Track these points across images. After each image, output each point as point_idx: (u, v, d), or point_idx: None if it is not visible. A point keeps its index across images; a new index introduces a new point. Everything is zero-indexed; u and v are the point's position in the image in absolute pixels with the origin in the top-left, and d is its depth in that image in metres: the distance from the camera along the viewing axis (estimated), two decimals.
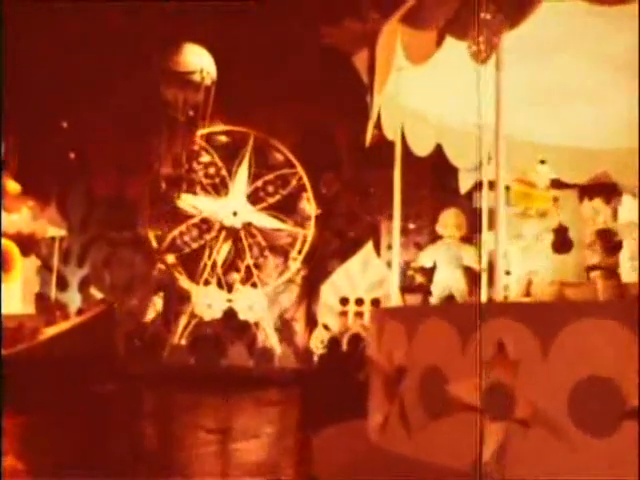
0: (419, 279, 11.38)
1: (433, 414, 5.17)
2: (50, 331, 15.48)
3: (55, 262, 20.12)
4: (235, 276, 21.50)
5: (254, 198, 21.97)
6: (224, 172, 21.94)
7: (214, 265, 21.41)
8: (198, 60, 20.02)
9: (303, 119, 23.23)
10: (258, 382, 17.48)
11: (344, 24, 7.86)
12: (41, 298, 19.17)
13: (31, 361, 13.89)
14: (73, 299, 23.07)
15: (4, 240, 16.26)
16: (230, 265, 21.66)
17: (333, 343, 14.02)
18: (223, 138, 22.03)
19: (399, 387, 5.54)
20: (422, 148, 8.37)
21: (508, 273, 8.24)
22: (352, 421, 7.29)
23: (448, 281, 7.32)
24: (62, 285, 22.55)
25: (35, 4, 18.34)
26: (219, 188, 21.93)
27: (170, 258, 21.30)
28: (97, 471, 7.44)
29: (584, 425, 4.50)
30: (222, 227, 21.50)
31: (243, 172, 21.91)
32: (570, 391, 4.53)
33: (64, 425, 10.80)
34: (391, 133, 7.60)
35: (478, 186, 9.85)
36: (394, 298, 6.88)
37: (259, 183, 21.97)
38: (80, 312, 22.45)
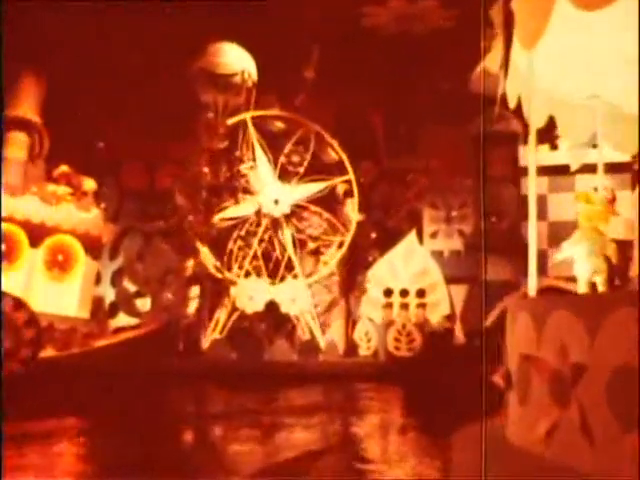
0: None
1: (629, 423, 4.35)
2: (103, 342, 14.95)
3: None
4: (277, 267, 20.77)
5: (285, 175, 21.19)
6: (250, 165, 21.07)
7: (255, 256, 20.66)
8: (239, 62, 19.23)
9: (339, 106, 22.48)
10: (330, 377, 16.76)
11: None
12: (98, 304, 18.41)
13: (81, 365, 13.31)
14: (106, 293, 22.35)
15: (66, 236, 15.51)
16: (272, 256, 20.92)
17: (435, 336, 13.23)
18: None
19: (576, 389, 4.73)
20: (535, 120, 7.57)
21: None
22: (477, 423, 6.49)
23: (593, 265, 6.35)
24: (95, 279, 21.86)
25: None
26: (247, 187, 21.10)
27: (208, 253, 20.57)
28: (142, 472, 7.11)
29: None
30: (264, 216, 20.74)
31: (261, 158, 21.02)
32: None
33: (109, 428, 10.33)
34: (513, 101, 6.78)
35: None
36: (532, 287, 6.05)
37: (282, 159, 21.15)
38: (113, 306, 21.86)
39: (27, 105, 17.03)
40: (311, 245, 21.14)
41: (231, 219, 20.70)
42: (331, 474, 7.49)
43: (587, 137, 8.21)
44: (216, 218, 20.48)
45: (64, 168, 16.77)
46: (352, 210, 21.24)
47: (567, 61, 7.15)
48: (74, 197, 16.45)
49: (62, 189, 16.05)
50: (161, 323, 17.02)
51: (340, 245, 21.15)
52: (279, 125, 21.28)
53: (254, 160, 20.86)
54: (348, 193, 21.42)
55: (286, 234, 21.03)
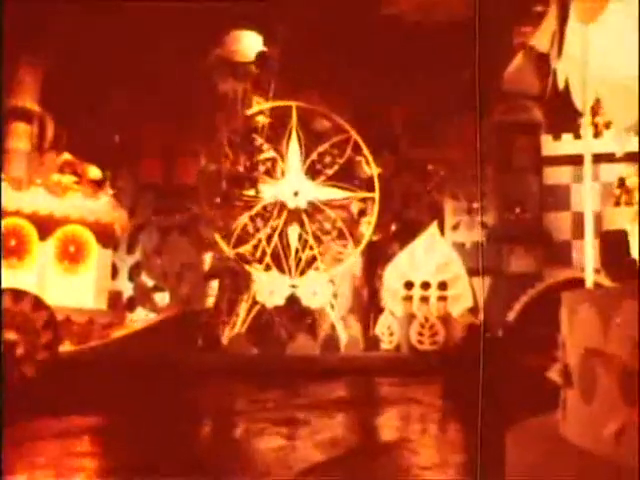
0: None
1: None
2: (120, 332, 14.60)
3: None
4: (298, 261, 20.50)
5: (312, 172, 20.93)
6: (272, 153, 20.84)
7: (276, 249, 20.39)
8: (257, 49, 18.97)
9: (358, 96, 22.14)
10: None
11: None
12: (115, 295, 18.12)
13: (100, 360, 13.00)
14: (124, 287, 22.13)
15: (76, 226, 15.17)
16: (293, 249, 20.65)
17: (458, 329, 12.91)
18: (262, 118, 20.89)
19: None
20: (582, 102, 7.21)
21: None
22: (530, 422, 6.18)
23: None
24: (111, 273, 21.62)
25: None
26: (271, 171, 20.87)
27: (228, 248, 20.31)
28: (161, 469, 7.08)
29: None
30: (284, 209, 20.46)
31: (294, 148, 20.81)
32: None
33: (129, 424, 10.11)
34: (562, 82, 6.42)
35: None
36: (589, 279, 5.70)
37: (314, 156, 20.90)
38: (131, 301, 21.61)
39: (27, 95, 16.60)
40: (308, 251, 20.80)
41: (247, 197, 20.48)
42: (368, 473, 7.21)
43: (633, 121, 7.85)
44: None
45: (67, 156, 16.35)
46: (366, 229, 20.96)
47: (617, 39, 6.79)
48: (80, 185, 16.10)
49: (67, 178, 15.64)
50: (179, 312, 16.66)
51: (340, 260, 20.87)
52: (324, 123, 21.05)
53: (287, 148, 20.64)
54: (363, 212, 21.14)
55: (294, 229, 20.78)
